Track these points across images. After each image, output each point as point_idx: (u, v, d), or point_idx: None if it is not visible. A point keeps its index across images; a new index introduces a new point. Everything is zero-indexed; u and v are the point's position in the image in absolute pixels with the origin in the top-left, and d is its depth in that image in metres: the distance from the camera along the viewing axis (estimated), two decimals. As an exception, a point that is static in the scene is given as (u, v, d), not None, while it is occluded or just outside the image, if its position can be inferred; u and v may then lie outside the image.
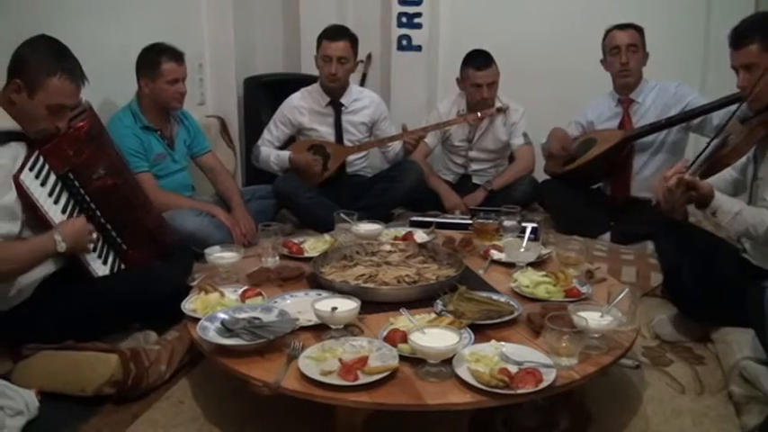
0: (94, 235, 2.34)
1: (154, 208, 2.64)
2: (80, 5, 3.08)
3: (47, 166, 2.25)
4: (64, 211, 2.29)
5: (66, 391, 2.08)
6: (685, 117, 3.41)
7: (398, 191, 3.83)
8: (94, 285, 2.34)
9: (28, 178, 2.16)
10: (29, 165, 2.18)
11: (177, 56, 3.26)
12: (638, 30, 3.56)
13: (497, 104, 3.91)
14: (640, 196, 3.59)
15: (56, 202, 2.27)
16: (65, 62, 2.19)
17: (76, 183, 2.33)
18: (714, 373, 2.30)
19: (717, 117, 3.28)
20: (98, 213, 2.40)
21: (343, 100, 3.92)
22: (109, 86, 3.30)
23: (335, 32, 3.80)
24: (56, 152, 2.26)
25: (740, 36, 2.35)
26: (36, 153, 2.22)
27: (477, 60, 3.86)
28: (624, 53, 3.54)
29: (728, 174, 2.58)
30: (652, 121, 3.52)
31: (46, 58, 2.15)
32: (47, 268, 2.23)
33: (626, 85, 3.62)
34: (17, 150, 2.18)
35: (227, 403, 2.10)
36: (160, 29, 3.62)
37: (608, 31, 3.60)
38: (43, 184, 2.22)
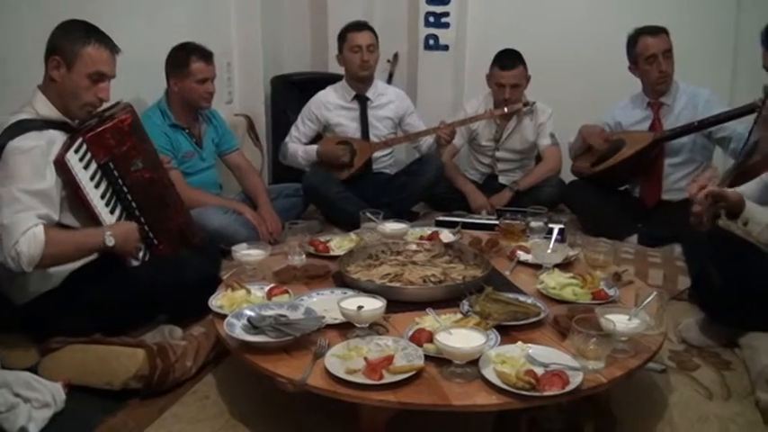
0: (140, 243, 2.40)
1: (185, 207, 2.68)
2: (109, 5, 3.11)
3: (89, 153, 2.31)
4: (103, 197, 2.34)
5: (93, 384, 2.11)
6: (718, 120, 3.36)
7: (419, 184, 3.86)
8: (125, 274, 2.38)
9: (73, 159, 2.22)
10: (74, 147, 2.24)
11: (206, 55, 3.29)
12: (666, 32, 3.50)
13: (523, 101, 3.89)
14: (669, 199, 3.56)
15: (96, 186, 2.33)
16: (96, 33, 2.28)
17: (116, 173, 2.38)
18: (741, 379, 2.27)
19: (741, 126, 3.24)
20: (134, 205, 2.45)
21: (368, 94, 3.96)
22: (138, 85, 3.33)
23: (358, 25, 3.89)
24: (99, 140, 2.32)
25: None
26: (80, 139, 2.28)
27: (504, 60, 3.85)
28: (662, 62, 3.47)
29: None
30: (683, 124, 3.48)
31: (77, 32, 2.25)
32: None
33: (662, 91, 3.58)
34: (54, 137, 2.23)
35: (252, 399, 2.11)
36: (189, 28, 3.66)
37: (636, 37, 3.53)
38: (86, 168, 2.29)
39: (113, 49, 2.32)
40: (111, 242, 2.22)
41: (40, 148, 2.15)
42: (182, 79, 3.25)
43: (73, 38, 2.23)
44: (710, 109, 3.43)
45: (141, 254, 2.47)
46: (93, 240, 2.22)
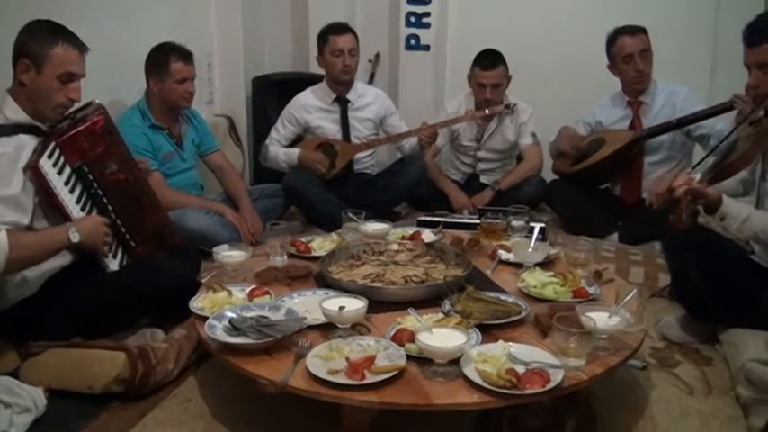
0: (109, 238, 2.36)
1: (162, 208, 2.65)
2: (90, 5, 3.10)
3: (63, 158, 2.28)
4: (78, 202, 2.32)
5: (74, 388, 2.08)
6: (696, 118, 3.39)
7: (402, 185, 3.87)
8: (102, 279, 2.35)
9: (46, 165, 2.20)
10: (47, 153, 2.21)
11: (186, 55, 3.27)
12: (645, 32, 3.53)
13: (505, 102, 3.90)
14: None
15: (71, 191, 2.30)
16: (63, 33, 2.25)
17: (90, 176, 2.36)
18: (722, 375, 2.29)
19: (720, 124, 3.26)
20: (109, 208, 2.42)
21: (349, 96, 3.95)
22: (118, 85, 3.33)
23: (339, 27, 3.86)
24: (72, 144, 2.29)
25: (755, 33, 2.30)
26: (53, 144, 2.25)
27: (485, 60, 3.86)
28: (639, 61, 3.51)
29: None
30: (662, 122, 3.51)
31: (44, 33, 2.22)
32: (53, 262, 2.24)
33: (640, 90, 3.61)
34: (23, 142, 2.20)
35: (234, 402, 2.10)
36: (169, 28, 3.64)
37: (614, 36, 3.56)
38: (60, 173, 2.26)
39: (82, 48, 2.29)
40: (75, 238, 2.18)
41: (8, 155, 2.13)
42: (161, 80, 3.23)
43: (40, 39, 2.20)
44: (689, 107, 3.45)
45: (119, 257, 2.45)
46: (58, 239, 2.18)
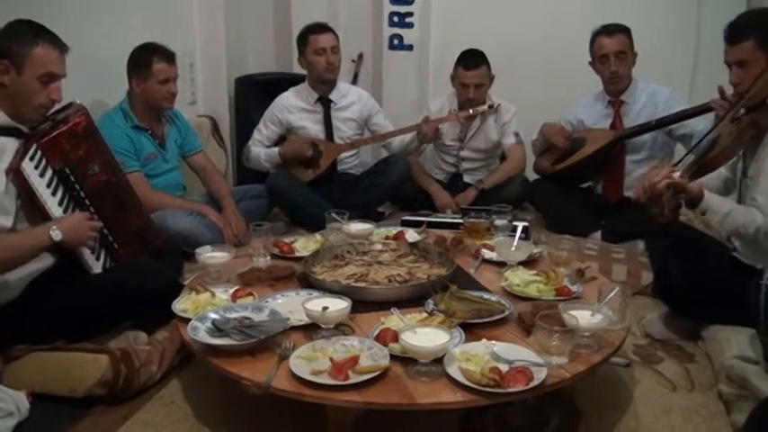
0: (95, 233, 2.34)
1: (144, 210, 2.65)
2: (72, 5, 3.08)
3: (44, 160, 2.26)
4: (60, 204, 2.30)
5: (57, 392, 2.07)
6: (676, 118, 3.41)
7: (385, 185, 3.86)
8: (85, 282, 2.34)
9: (28, 167, 2.18)
10: (29, 155, 2.20)
11: (168, 56, 3.25)
12: (626, 32, 3.53)
13: (488, 102, 3.91)
14: (631, 195, 3.59)
15: (53, 194, 2.28)
16: (43, 33, 2.23)
17: (72, 178, 2.35)
18: (705, 371, 2.31)
19: (702, 123, 3.29)
20: (92, 210, 2.41)
21: (331, 96, 3.94)
22: (100, 86, 3.30)
23: (319, 27, 3.86)
24: (54, 146, 2.28)
25: (736, 32, 2.33)
26: (34, 146, 2.23)
27: (468, 60, 3.86)
28: (613, 62, 3.52)
29: (719, 172, 2.59)
30: (643, 122, 3.53)
31: (24, 34, 2.20)
32: (34, 265, 2.22)
33: (619, 90, 3.63)
34: (5, 144, 2.19)
35: (218, 403, 2.10)
36: (151, 28, 3.62)
37: (595, 36, 3.57)
38: (42, 175, 2.24)
39: (62, 48, 2.27)
40: (57, 236, 2.15)
41: None
42: (144, 80, 3.20)
43: (20, 40, 2.18)
44: (670, 107, 3.47)
45: (102, 260, 2.43)
46: (39, 238, 2.15)
